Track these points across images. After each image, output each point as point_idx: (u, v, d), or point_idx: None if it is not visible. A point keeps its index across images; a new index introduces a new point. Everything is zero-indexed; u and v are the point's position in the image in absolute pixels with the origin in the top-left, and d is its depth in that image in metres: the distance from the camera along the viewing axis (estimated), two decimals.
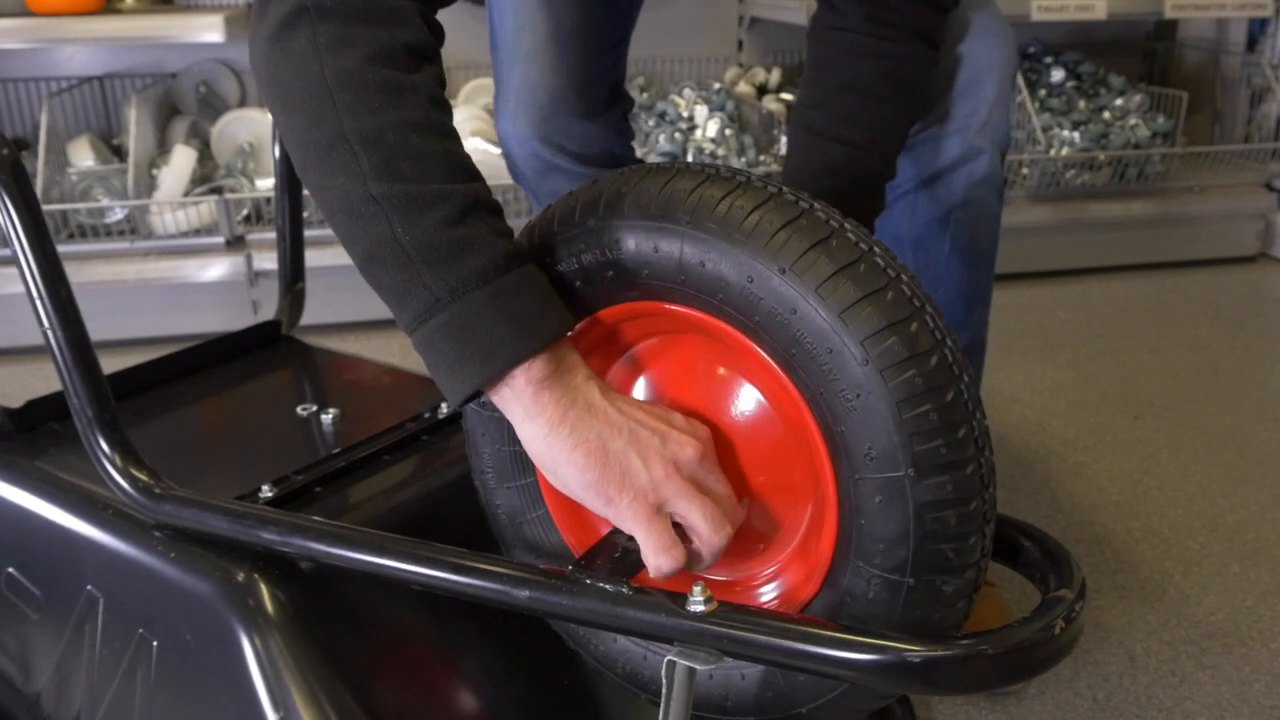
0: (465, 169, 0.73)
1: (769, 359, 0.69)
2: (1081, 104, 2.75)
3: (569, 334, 0.72)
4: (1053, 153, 2.59)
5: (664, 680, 0.68)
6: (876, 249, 0.67)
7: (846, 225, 0.67)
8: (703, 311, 0.71)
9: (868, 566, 0.68)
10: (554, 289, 0.72)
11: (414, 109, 0.72)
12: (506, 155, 1.37)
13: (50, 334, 0.88)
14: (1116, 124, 2.69)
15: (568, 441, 0.69)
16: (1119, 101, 2.76)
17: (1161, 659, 1.30)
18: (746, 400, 0.76)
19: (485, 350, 0.69)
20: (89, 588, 0.96)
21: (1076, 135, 2.63)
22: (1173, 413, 1.94)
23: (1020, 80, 2.65)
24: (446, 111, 0.75)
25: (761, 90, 2.75)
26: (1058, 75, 2.85)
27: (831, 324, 0.64)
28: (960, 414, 0.64)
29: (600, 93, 1.32)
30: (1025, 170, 2.58)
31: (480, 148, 2.33)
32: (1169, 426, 1.89)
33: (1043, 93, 2.79)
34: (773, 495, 0.77)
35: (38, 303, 0.88)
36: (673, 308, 0.72)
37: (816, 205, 0.68)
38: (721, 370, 0.77)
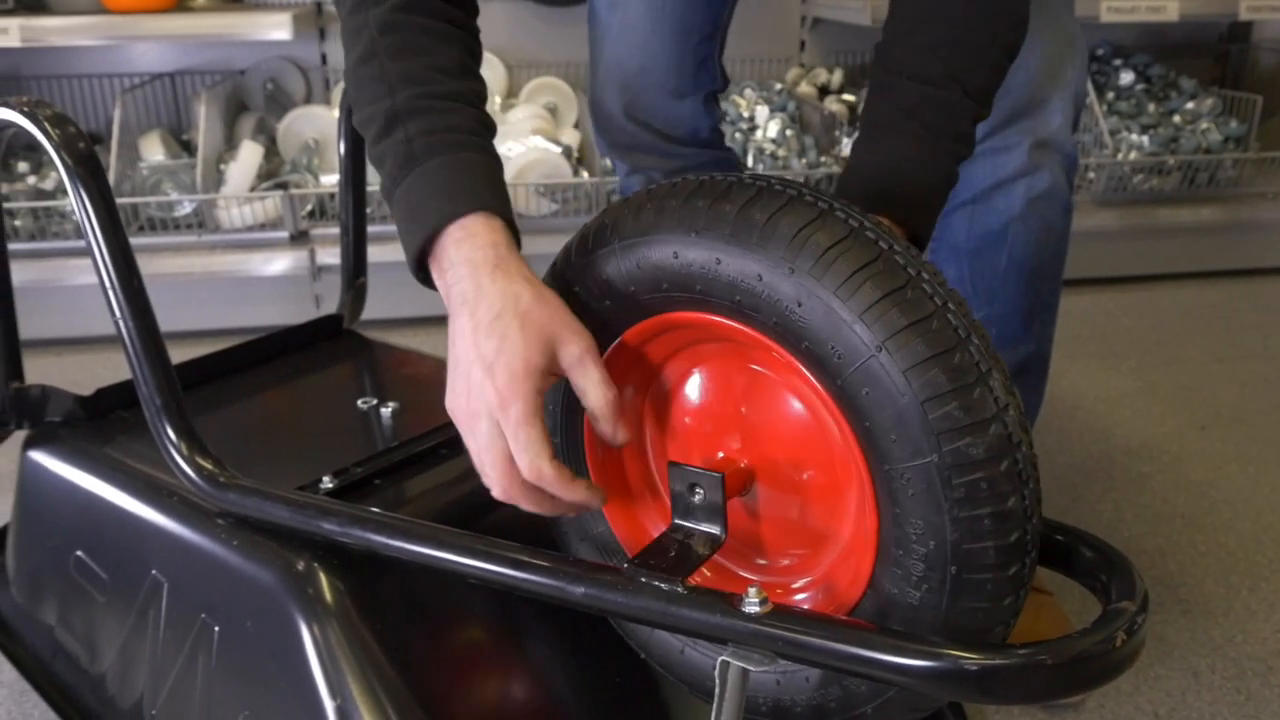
0: (404, 80, 0.80)
1: (791, 356, 0.70)
2: (1151, 107, 2.69)
3: (460, 220, 0.76)
4: (1120, 157, 2.54)
5: (717, 680, 0.68)
6: (860, 219, 0.67)
7: (836, 205, 0.68)
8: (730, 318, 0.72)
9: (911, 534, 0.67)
10: (464, 175, 0.77)
11: (364, 44, 0.82)
12: (596, 127, 1.39)
13: (121, 323, 0.90)
14: (1187, 128, 2.63)
15: (464, 311, 0.75)
16: (1190, 105, 2.69)
17: (1226, 676, 1.27)
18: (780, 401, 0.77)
19: (405, 245, 0.79)
20: (154, 572, 0.98)
21: (1145, 139, 2.57)
22: (1241, 424, 1.90)
23: (1088, 83, 2.60)
24: (401, 30, 0.82)
25: (823, 91, 2.73)
26: (1127, 78, 2.79)
27: (835, 306, 0.65)
28: (972, 375, 0.64)
29: (689, 74, 1.30)
30: (1092, 175, 2.54)
31: (540, 146, 2.34)
32: (1237, 438, 1.84)
33: (1111, 96, 2.74)
34: (817, 494, 0.77)
35: (110, 293, 0.90)
36: (711, 319, 0.73)
37: (836, 205, 0.69)
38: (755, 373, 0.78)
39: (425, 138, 0.78)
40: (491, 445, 0.73)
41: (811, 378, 0.69)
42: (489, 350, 0.72)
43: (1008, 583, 0.66)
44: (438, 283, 0.78)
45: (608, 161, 2.37)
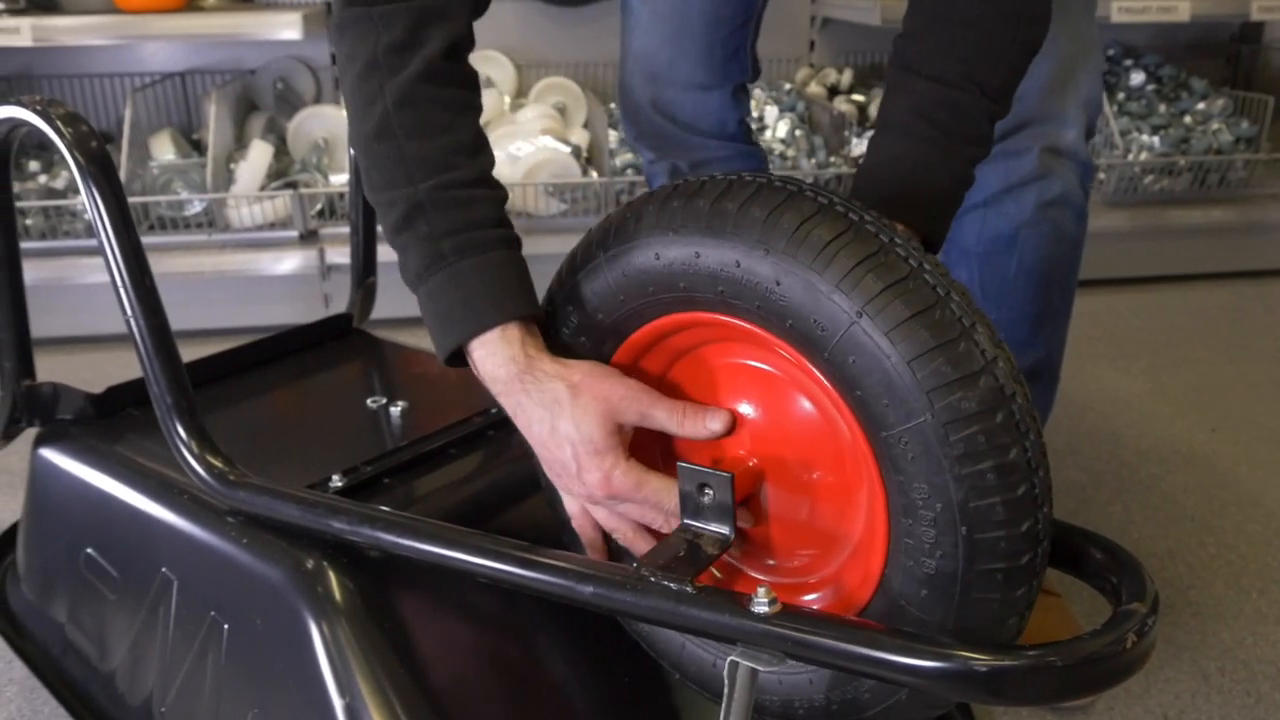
0: (424, 165, 0.78)
1: (778, 339, 0.70)
2: (1162, 108, 2.69)
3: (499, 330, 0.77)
4: (1131, 157, 2.54)
5: (726, 680, 0.68)
6: (855, 210, 0.68)
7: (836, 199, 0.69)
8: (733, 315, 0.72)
9: (917, 511, 0.67)
10: (487, 280, 0.78)
11: (377, 117, 0.78)
12: (623, 116, 1.38)
13: (133, 322, 0.91)
14: (1198, 129, 2.62)
15: (519, 423, 0.80)
16: (1201, 105, 2.69)
17: (1236, 679, 1.26)
18: (788, 401, 0.77)
19: (434, 342, 0.80)
20: (164, 570, 0.98)
21: (1156, 140, 2.57)
22: (1252, 426, 1.89)
23: (1103, 91, 2.59)
24: (418, 105, 0.78)
25: (833, 91, 2.73)
26: (1137, 78, 2.79)
27: (812, 279, 0.66)
28: (955, 330, 0.64)
29: (718, 66, 1.29)
30: (1102, 175, 2.53)
31: (549, 146, 2.34)
32: (1247, 440, 1.84)
33: (1121, 96, 2.73)
34: (825, 492, 0.77)
35: (122, 291, 0.90)
36: (717, 317, 0.73)
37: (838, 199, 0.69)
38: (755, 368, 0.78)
39: (451, 238, 0.78)
40: (621, 521, 0.80)
41: (802, 357, 0.70)
42: (567, 457, 0.77)
43: (1021, 540, 0.66)
44: (475, 372, 0.80)
45: (617, 161, 2.38)
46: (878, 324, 0.64)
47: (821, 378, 0.69)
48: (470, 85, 0.83)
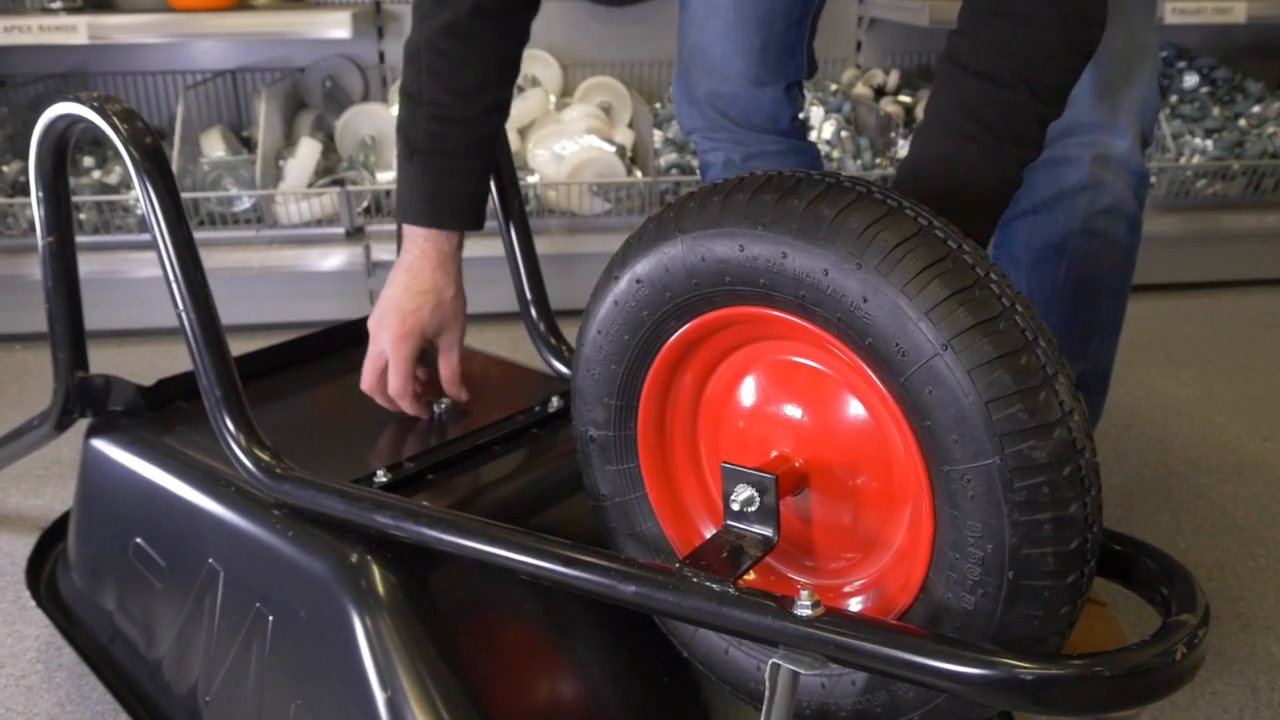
0: (432, 93, 1.06)
1: (853, 354, 0.69)
2: (1215, 111, 2.64)
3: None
4: (1183, 161, 2.49)
5: (767, 682, 0.68)
6: (922, 214, 0.66)
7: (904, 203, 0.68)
8: (791, 312, 0.71)
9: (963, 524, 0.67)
10: (436, 189, 1.07)
11: (418, 40, 1.06)
12: (677, 109, 1.39)
13: (184, 315, 0.92)
14: (1253, 132, 2.57)
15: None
16: (1256, 109, 2.64)
17: None
18: (844, 405, 0.76)
19: (397, 205, 1.12)
20: (210, 561, 0.99)
21: (1209, 143, 2.52)
22: None
23: (1159, 98, 2.55)
24: (440, 53, 1.04)
25: (879, 92, 2.71)
26: (1191, 81, 2.74)
27: (901, 303, 0.64)
28: (1038, 378, 0.63)
29: (771, 62, 1.29)
30: (1154, 179, 2.49)
31: (594, 145, 2.35)
32: None
33: (1174, 99, 2.69)
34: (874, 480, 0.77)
35: (173, 285, 0.92)
36: (773, 313, 0.73)
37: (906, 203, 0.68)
38: (815, 371, 0.77)
39: (424, 156, 1.06)
40: (377, 359, 1.09)
41: (873, 375, 0.68)
42: (408, 307, 1.07)
43: (1065, 591, 0.65)
44: (403, 238, 1.10)
45: (661, 161, 2.37)
46: (962, 360, 0.63)
47: (890, 399, 0.68)
48: (493, 39, 1.05)
